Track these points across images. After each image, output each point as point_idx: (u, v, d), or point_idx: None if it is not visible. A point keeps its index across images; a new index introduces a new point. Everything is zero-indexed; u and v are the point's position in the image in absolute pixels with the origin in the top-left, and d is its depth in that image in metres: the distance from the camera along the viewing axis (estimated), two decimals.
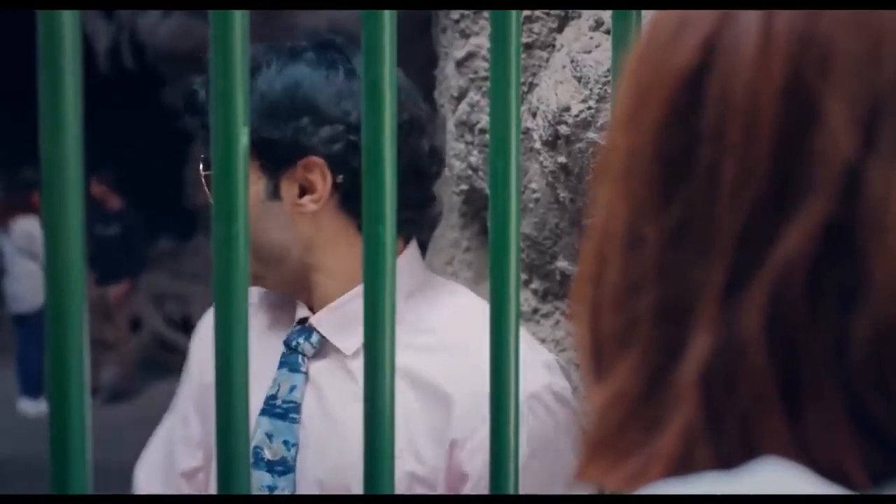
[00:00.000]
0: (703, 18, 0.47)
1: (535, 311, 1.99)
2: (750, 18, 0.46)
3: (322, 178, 1.26)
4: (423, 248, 2.31)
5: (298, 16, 6.03)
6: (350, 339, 1.29)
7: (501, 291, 0.86)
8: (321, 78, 1.26)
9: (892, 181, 0.42)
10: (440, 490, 1.23)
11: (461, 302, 1.33)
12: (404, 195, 1.24)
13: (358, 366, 1.27)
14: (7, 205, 8.11)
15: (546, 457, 1.21)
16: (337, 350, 1.30)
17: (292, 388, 1.30)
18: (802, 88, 0.44)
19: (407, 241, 1.33)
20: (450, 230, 2.22)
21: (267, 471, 1.29)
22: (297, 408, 1.29)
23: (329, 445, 1.28)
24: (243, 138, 0.72)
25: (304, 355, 1.31)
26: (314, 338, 1.31)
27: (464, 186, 2.03)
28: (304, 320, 1.33)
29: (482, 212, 2.06)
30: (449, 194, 2.17)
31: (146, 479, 1.50)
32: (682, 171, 0.46)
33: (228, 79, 0.71)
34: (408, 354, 1.21)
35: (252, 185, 1.27)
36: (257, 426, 1.29)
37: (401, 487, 1.19)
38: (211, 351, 1.30)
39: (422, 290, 1.32)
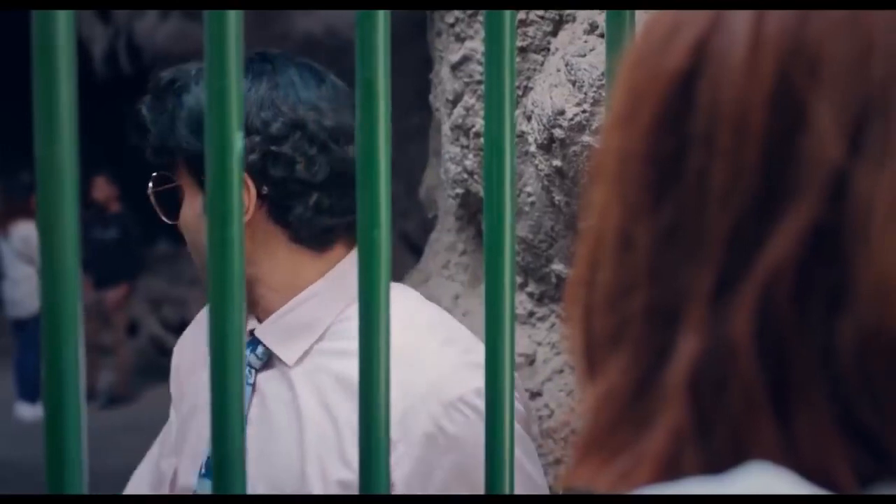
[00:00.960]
0: (695, 21, 0.47)
1: (531, 314, 2.00)
2: (740, 22, 0.46)
3: (246, 190, 1.26)
4: (419, 252, 2.31)
5: (293, 20, 6.03)
6: (291, 348, 1.30)
7: (497, 294, 0.86)
8: (244, 89, 1.26)
9: (877, 185, 0.42)
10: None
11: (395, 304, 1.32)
12: (345, 202, 1.26)
13: (296, 374, 1.29)
14: (6, 209, 8.10)
15: (464, 468, 1.19)
16: (281, 360, 1.31)
17: None
18: (791, 92, 0.44)
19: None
20: (445, 234, 2.23)
21: None
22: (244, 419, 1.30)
23: (268, 457, 1.28)
24: (238, 142, 0.72)
25: (251, 367, 1.32)
26: (259, 349, 1.32)
27: (459, 190, 2.03)
28: (252, 332, 1.34)
29: (477, 215, 2.06)
30: (444, 198, 2.18)
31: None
32: (673, 174, 0.46)
33: (223, 79, 0.71)
34: (344, 362, 1.22)
35: (192, 200, 1.29)
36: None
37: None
38: (186, 377, 1.31)
39: None
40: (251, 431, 1.29)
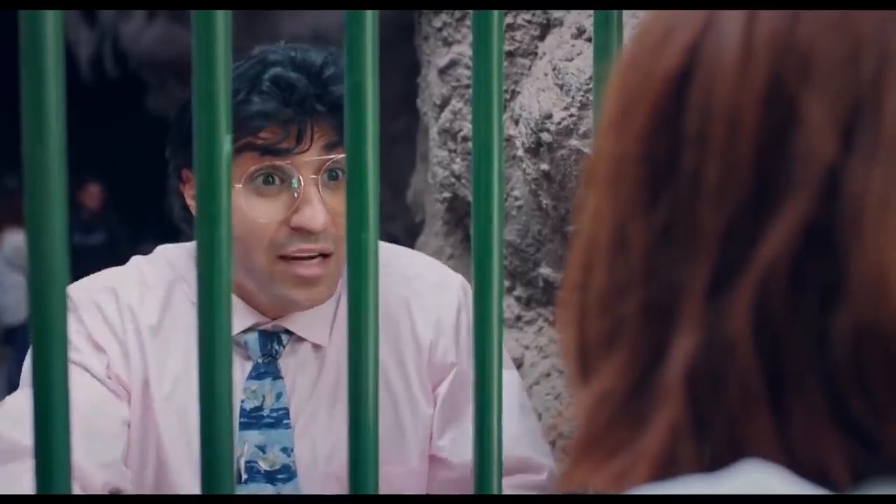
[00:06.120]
0: (688, 23, 0.48)
1: (519, 318, 2.00)
2: (732, 23, 0.46)
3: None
4: None
5: (281, 21, 6.03)
6: (321, 332, 1.34)
7: (484, 298, 0.86)
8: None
9: (869, 181, 0.43)
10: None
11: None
12: None
13: (332, 351, 1.33)
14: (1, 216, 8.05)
15: None
16: (303, 345, 1.33)
17: (279, 396, 1.31)
18: (783, 91, 0.44)
19: None
20: (433, 238, 2.23)
21: (267, 482, 1.29)
22: (287, 413, 1.31)
23: (329, 439, 1.30)
24: (226, 143, 0.72)
25: (273, 357, 1.33)
26: (285, 340, 1.33)
27: (447, 194, 2.04)
28: (254, 326, 1.33)
29: (465, 219, 2.06)
30: (432, 202, 2.18)
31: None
32: (667, 174, 0.47)
33: (211, 81, 0.71)
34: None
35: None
36: (241, 441, 1.28)
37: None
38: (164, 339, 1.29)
39: None
40: (300, 424, 1.31)
